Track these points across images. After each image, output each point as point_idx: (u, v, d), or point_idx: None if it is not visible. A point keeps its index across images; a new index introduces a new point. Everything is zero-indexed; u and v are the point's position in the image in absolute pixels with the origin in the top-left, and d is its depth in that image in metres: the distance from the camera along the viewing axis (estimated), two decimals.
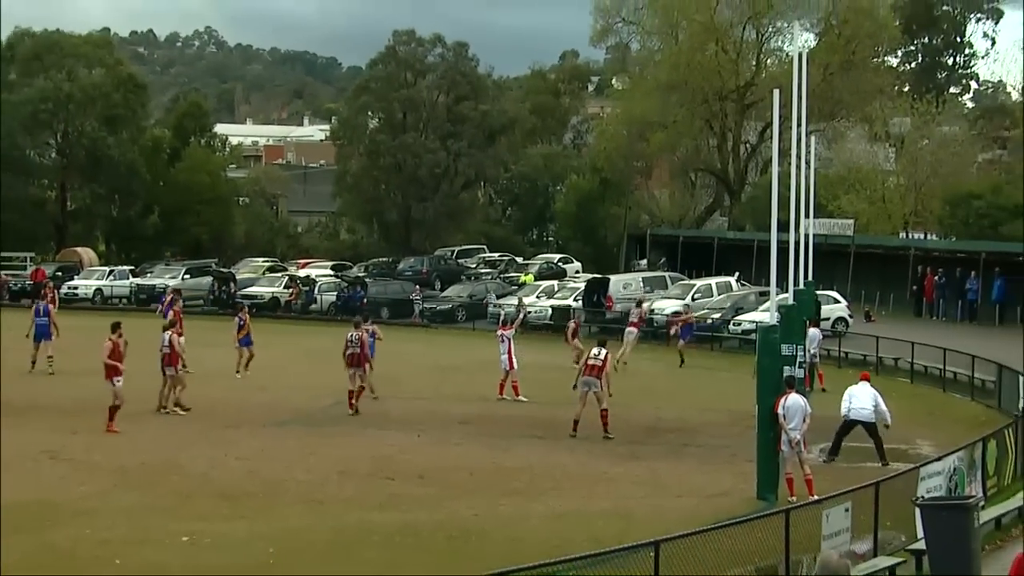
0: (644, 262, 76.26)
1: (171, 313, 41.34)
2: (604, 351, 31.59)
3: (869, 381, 29.16)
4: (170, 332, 34.06)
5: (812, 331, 26.03)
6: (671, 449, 29.86)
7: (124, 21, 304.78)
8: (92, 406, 34.08)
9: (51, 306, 47.18)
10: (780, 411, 24.02)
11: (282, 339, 49.35)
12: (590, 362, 31.23)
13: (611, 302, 59.04)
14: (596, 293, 59.74)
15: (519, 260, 78.65)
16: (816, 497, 21.35)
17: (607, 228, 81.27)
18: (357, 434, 31.22)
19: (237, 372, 40.48)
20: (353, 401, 33.91)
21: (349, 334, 35.06)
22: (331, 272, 71.88)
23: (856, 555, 18.93)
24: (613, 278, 63.54)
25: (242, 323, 41.84)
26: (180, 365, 33.86)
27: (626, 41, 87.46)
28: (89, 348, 33.26)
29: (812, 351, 26.06)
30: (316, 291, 66.02)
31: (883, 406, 28.07)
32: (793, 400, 24.21)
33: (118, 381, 30.72)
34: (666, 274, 65.48)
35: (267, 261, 78.30)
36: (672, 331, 49.70)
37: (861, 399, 27.96)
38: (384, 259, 78.24)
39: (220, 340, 46.57)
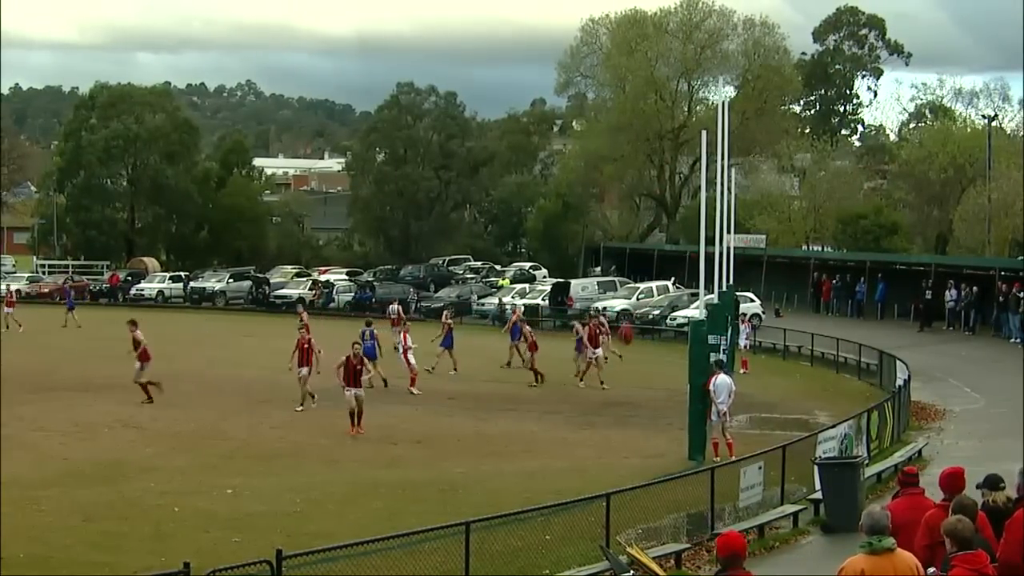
0: (598, 269, 76.02)
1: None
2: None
3: None
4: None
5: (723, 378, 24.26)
6: (619, 419, 29.85)
7: (181, 76, 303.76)
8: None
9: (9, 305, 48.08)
10: (711, 388, 24.02)
11: None
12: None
13: (571, 301, 59.01)
14: (559, 294, 59.67)
15: (498, 267, 78.38)
16: (735, 458, 21.36)
17: (568, 241, 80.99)
18: (367, 407, 31.03)
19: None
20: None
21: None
22: (346, 277, 71.62)
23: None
24: (573, 282, 63.40)
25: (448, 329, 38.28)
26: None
27: (584, 91, 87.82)
28: (151, 338, 32.92)
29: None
30: (334, 292, 65.82)
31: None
32: (721, 379, 24.24)
33: (348, 391, 27.27)
34: (616, 279, 65.32)
35: (295, 268, 77.89)
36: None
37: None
38: (389, 266, 77.75)
39: (256, 331, 46.32)
